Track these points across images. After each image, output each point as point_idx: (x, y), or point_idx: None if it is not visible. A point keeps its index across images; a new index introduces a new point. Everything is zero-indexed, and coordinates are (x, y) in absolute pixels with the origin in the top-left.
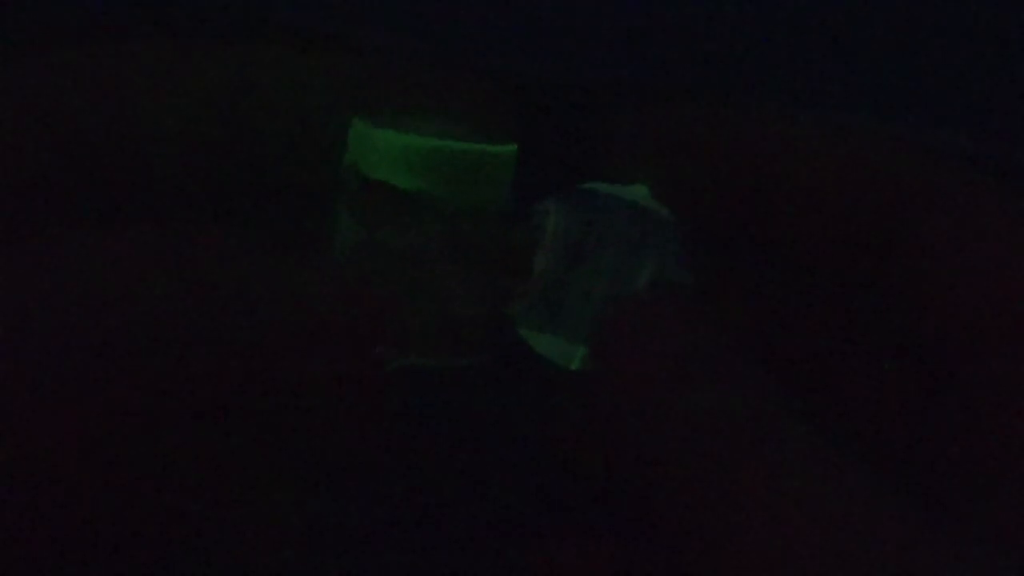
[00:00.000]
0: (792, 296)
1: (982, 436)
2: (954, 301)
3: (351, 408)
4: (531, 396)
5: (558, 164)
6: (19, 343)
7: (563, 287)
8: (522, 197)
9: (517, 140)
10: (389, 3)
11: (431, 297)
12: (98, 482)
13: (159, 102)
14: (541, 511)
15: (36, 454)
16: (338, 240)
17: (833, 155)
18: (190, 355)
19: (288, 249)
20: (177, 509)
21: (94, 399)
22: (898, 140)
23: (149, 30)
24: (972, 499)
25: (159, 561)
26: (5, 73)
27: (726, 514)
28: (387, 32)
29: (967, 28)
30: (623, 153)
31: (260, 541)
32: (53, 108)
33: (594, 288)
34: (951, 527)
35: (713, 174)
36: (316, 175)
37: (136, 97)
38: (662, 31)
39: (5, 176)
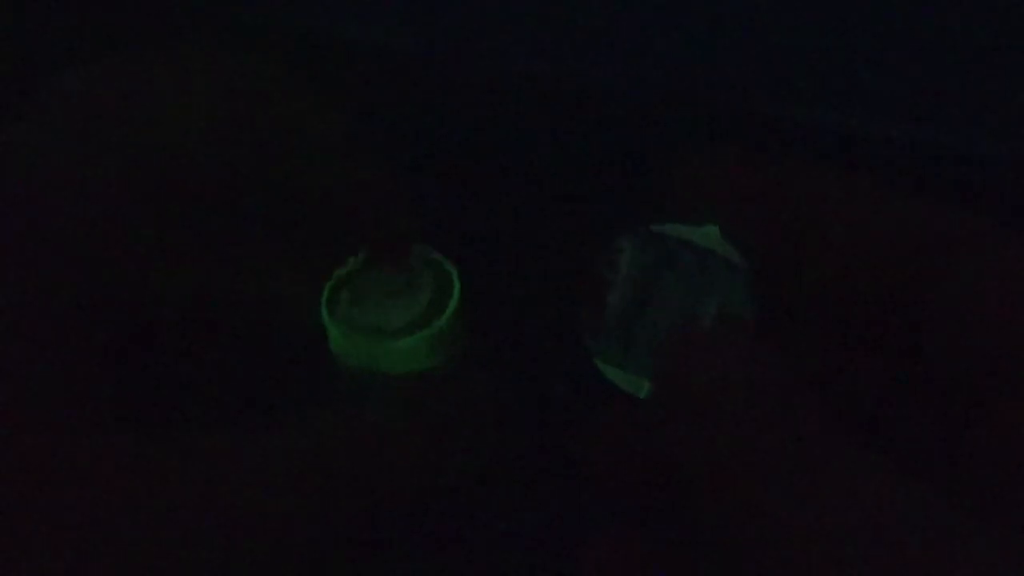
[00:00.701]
0: (844, 335)
1: (1014, 461)
2: (986, 341)
3: None
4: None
5: (632, 202)
6: None
7: (631, 323)
8: (599, 232)
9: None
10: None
11: None
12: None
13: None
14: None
15: None
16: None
17: (878, 209)
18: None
19: None
20: None
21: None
22: (938, 197)
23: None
24: (1008, 513)
25: None
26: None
27: (781, 538)
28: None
29: (967, 29)
30: (694, 196)
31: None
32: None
33: (660, 327)
34: (992, 539)
35: (773, 220)
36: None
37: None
38: (667, 37)
39: None
